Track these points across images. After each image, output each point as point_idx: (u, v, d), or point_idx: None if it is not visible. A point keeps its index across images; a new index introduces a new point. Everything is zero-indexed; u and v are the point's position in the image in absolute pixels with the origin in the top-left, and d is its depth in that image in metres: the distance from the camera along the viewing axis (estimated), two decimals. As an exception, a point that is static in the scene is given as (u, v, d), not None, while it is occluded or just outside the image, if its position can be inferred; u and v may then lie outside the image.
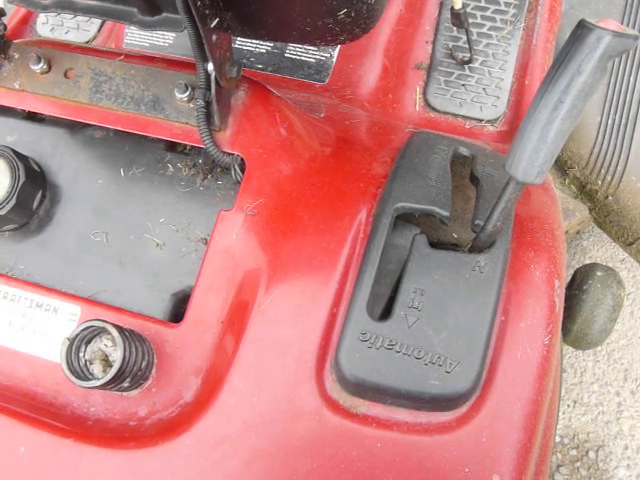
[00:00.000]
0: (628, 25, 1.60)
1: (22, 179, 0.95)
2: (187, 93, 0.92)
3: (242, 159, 0.92)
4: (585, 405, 1.89)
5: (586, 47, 0.67)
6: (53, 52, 0.99)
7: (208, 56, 0.84)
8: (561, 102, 0.69)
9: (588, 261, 1.97)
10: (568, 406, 1.88)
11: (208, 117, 0.91)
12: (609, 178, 1.54)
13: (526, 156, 0.72)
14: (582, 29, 0.67)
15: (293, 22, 0.84)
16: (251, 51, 1.37)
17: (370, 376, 0.79)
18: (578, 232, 1.80)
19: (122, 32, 1.47)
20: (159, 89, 0.96)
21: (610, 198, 1.57)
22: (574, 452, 1.85)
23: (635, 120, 1.54)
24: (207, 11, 0.79)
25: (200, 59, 0.86)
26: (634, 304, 1.98)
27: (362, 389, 0.80)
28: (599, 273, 1.29)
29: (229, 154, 0.92)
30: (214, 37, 0.83)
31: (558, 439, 1.85)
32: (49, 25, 1.56)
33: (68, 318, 0.90)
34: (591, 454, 1.84)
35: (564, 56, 0.69)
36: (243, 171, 0.92)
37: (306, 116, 1.03)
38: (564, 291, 0.91)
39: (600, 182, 1.56)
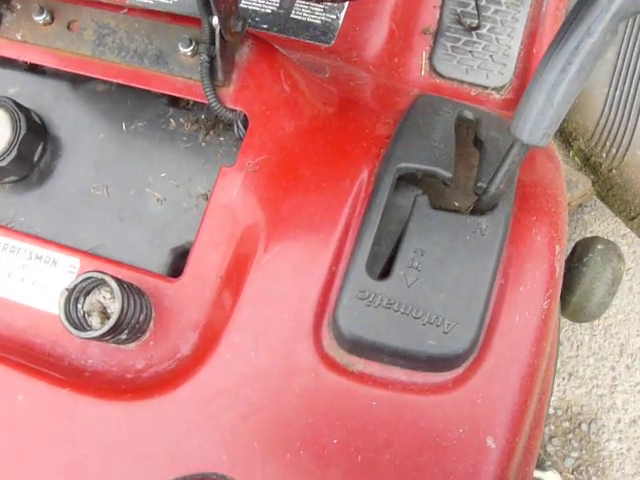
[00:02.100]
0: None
1: (23, 131, 0.94)
2: (191, 47, 0.91)
3: (245, 115, 0.92)
4: (580, 378, 1.90)
5: (597, 7, 0.66)
6: (56, 3, 0.97)
7: (213, 9, 0.83)
8: (569, 64, 0.68)
9: (589, 235, 1.97)
10: (563, 378, 1.90)
11: (212, 72, 0.90)
12: (614, 151, 1.53)
13: (532, 118, 0.71)
14: (594, -12, 0.66)
15: None
16: (256, 11, 1.36)
17: (367, 334, 0.79)
18: (580, 205, 1.80)
19: (127, -12, 1.45)
20: (163, 43, 0.94)
21: (614, 171, 1.56)
22: (567, 424, 1.86)
23: (643, 93, 1.52)
24: (213, -39, 0.78)
25: (205, 12, 0.85)
26: (633, 279, 1.98)
27: (359, 347, 0.80)
28: (600, 246, 1.29)
29: (232, 110, 0.91)
30: (219, -11, 0.82)
31: (552, 411, 1.87)
32: (53, -21, 1.54)
33: (67, 270, 0.90)
34: (584, 426, 1.85)
35: (574, 17, 0.67)
36: (246, 127, 0.91)
37: (310, 75, 1.02)
38: (564, 257, 0.91)
39: (605, 155, 1.55)
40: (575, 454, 1.83)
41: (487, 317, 0.82)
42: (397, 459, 0.78)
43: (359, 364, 0.82)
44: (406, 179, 0.89)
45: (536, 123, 0.71)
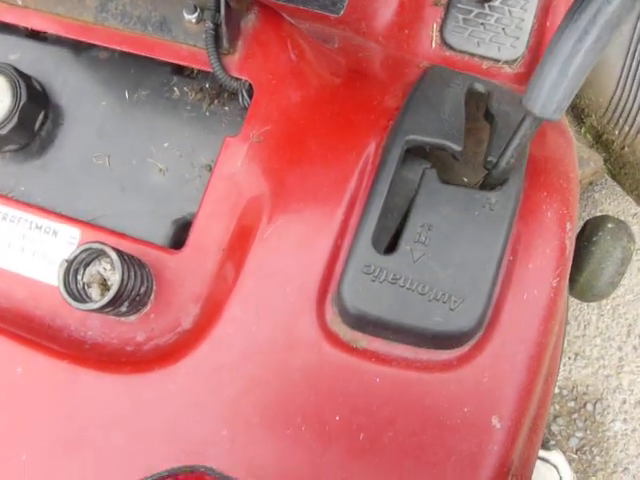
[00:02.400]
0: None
1: (24, 99, 0.92)
2: (196, 14, 0.88)
3: (250, 84, 0.89)
4: (586, 358, 1.88)
5: (618, -28, 0.63)
6: None
7: None
8: (586, 33, 0.65)
9: (599, 214, 1.94)
10: (569, 358, 1.88)
11: (217, 40, 0.88)
12: (627, 128, 1.50)
13: (545, 90, 0.69)
14: (615, -47, 0.63)
15: None
16: (264, -21, 1.33)
17: (372, 309, 0.77)
18: (591, 183, 1.77)
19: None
20: (167, 9, 0.92)
21: (627, 149, 1.53)
22: (572, 404, 1.85)
23: (659, 69, 1.49)
24: None
25: (209, -22, 0.83)
26: (643, 260, 1.96)
27: (363, 323, 0.79)
28: (610, 225, 1.27)
29: (237, 79, 0.89)
30: (225, -47, 0.79)
31: (557, 390, 1.86)
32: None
33: (67, 241, 0.89)
34: (589, 407, 1.84)
35: (594, -17, 0.65)
36: (251, 97, 0.89)
37: (318, 45, 0.99)
38: (575, 235, 0.89)
39: (617, 132, 1.52)
40: (579, 434, 1.82)
41: (495, 294, 0.80)
42: (400, 437, 0.77)
43: (363, 340, 0.80)
44: (414, 152, 0.87)
45: (549, 96, 0.69)
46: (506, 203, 0.81)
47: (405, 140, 0.84)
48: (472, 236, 0.79)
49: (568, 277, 1.20)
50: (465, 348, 0.80)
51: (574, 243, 0.88)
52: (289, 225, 0.83)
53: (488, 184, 0.83)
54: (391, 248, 0.81)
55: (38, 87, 0.97)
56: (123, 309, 0.81)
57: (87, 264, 0.83)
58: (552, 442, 1.81)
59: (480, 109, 0.96)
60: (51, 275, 0.88)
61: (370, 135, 0.87)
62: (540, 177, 0.87)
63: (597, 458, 1.80)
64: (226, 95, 0.96)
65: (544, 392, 0.89)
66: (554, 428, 1.83)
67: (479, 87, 0.95)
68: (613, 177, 1.66)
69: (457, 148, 0.84)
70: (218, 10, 0.86)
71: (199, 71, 0.97)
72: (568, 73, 0.67)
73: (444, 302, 0.77)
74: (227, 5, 0.85)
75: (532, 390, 0.79)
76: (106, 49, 0.99)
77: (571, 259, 0.87)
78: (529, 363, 0.79)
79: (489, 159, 0.84)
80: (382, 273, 0.78)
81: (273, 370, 0.79)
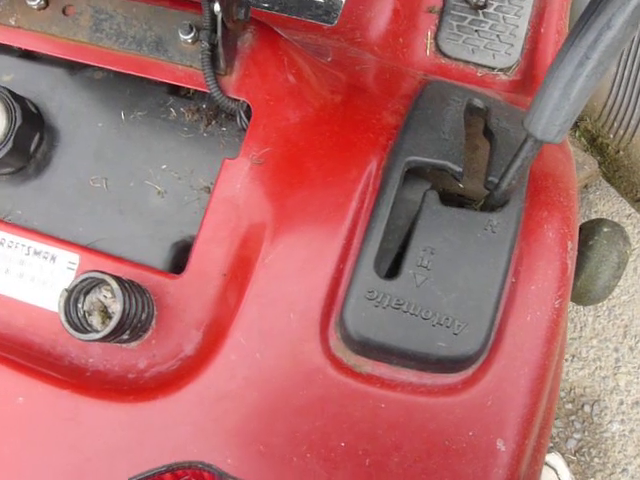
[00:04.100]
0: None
1: (19, 121, 0.91)
2: (192, 34, 0.88)
3: (248, 105, 0.89)
4: (583, 360, 1.89)
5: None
6: None
7: None
8: (587, 58, 0.65)
9: (594, 215, 1.94)
10: (566, 360, 1.89)
11: (213, 60, 0.87)
12: (621, 132, 1.50)
13: (546, 114, 0.68)
14: (615, -21, 0.63)
15: None
16: (257, -11, 1.32)
17: (376, 335, 0.77)
18: (586, 186, 1.77)
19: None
20: (162, 29, 0.91)
21: (621, 153, 1.53)
22: (569, 406, 1.86)
23: (652, 73, 1.49)
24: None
25: (206, -2, 0.82)
26: (638, 260, 1.96)
27: (367, 348, 0.78)
28: (605, 229, 1.27)
29: (234, 100, 0.88)
30: (221, -25, 0.78)
31: (555, 392, 1.86)
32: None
33: (67, 266, 0.88)
34: (586, 408, 1.85)
35: (594, 8, 0.64)
36: (249, 118, 0.88)
37: (316, 61, 0.98)
38: (575, 253, 0.89)
39: (612, 136, 1.52)
40: (577, 435, 1.83)
41: (498, 317, 0.80)
42: (406, 462, 0.77)
43: (367, 365, 0.80)
44: (415, 172, 0.87)
45: (551, 119, 0.68)
46: (508, 225, 0.80)
47: (405, 161, 0.83)
48: (474, 259, 0.79)
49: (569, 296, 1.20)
50: (469, 372, 0.79)
51: (575, 262, 0.88)
52: (291, 249, 0.82)
53: (489, 205, 0.83)
54: (394, 271, 0.81)
55: (33, 109, 0.95)
56: (125, 337, 0.81)
57: (87, 292, 0.82)
58: (550, 444, 1.82)
59: (476, 116, 0.95)
60: (51, 301, 0.87)
61: (370, 155, 0.87)
62: (541, 195, 0.87)
63: (595, 459, 1.81)
64: (223, 116, 0.95)
65: (547, 411, 0.89)
66: (552, 430, 1.84)
67: (478, 103, 0.95)
68: (608, 180, 1.66)
69: (457, 169, 0.83)
70: (214, 30, 0.85)
71: (196, 91, 0.96)
72: (570, 97, 0.67)
73: (448, 327, 0.77)
74: (223, 25, 0.85)
75: (536, 411, 0.79)
76: (101, 69, 0.98)
77: (572, 278, 0.87)
78: (532, 385, 0.79)
79: (490, 179, 0.84)
80: (385, 299, 0.77)
81: (277, 397, 0.79)
